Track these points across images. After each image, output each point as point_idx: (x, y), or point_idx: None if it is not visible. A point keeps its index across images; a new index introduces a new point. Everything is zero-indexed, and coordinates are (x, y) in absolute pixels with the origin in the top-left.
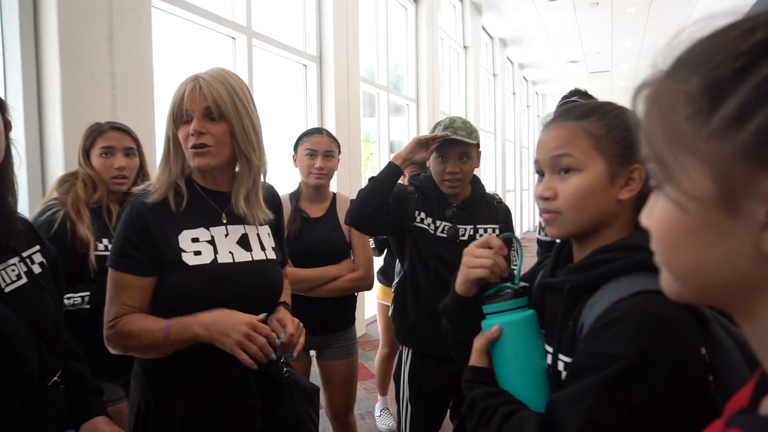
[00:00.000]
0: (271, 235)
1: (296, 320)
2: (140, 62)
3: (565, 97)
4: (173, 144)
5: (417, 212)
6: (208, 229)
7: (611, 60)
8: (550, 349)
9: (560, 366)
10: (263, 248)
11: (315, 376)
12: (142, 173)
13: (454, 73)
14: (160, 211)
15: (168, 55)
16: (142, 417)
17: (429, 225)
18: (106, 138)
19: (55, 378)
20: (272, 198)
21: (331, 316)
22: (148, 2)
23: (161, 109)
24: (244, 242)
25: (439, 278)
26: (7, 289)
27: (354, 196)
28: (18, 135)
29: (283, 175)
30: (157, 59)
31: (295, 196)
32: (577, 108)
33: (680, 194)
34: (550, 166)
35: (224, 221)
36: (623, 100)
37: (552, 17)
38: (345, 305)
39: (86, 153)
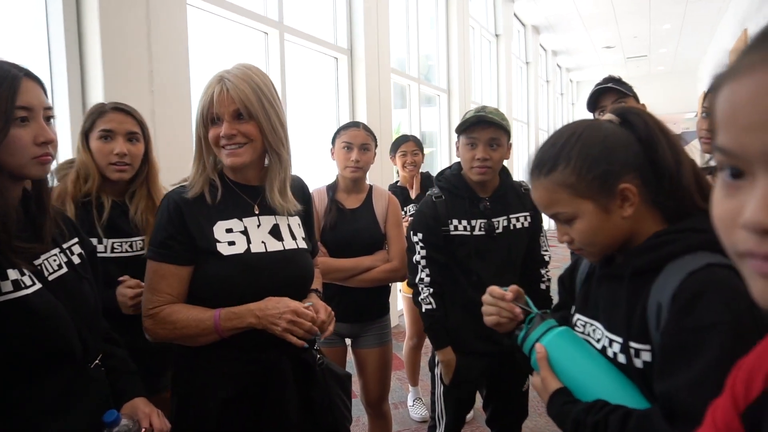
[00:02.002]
0: (301, 225)
1: (328, 307)
2: (177, 60)
3: (598, 85)
4: (204, 144)
5: (449, 221)
6: (241, 220)
7: (649, 44)
8: (617, 338)
9: (632, 353)
10: (294, 238)
11: (351, 366)
12: (148, 162)
13: (486, 62)
14: (195, 204)
15: (203, 52)
16: (184, 401)
17: (465, 228)
18: (107, 120)
19: (96, 361)
20: (301, 189)
21: (365, 305)
22: (183, 0)
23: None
24: (275, 232)
25: (479, 278)
26: (50, 278)
27: (385, 186)
28: (64, 133)
29: (316, 167)
30: (193, 56)
31: (332, 188)
32: (544, 160)
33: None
34: (552, 218)
35: (256, 212)
36: (663, 85)
37: (587, 2)
38: (379, 294)
39: (85, 136)
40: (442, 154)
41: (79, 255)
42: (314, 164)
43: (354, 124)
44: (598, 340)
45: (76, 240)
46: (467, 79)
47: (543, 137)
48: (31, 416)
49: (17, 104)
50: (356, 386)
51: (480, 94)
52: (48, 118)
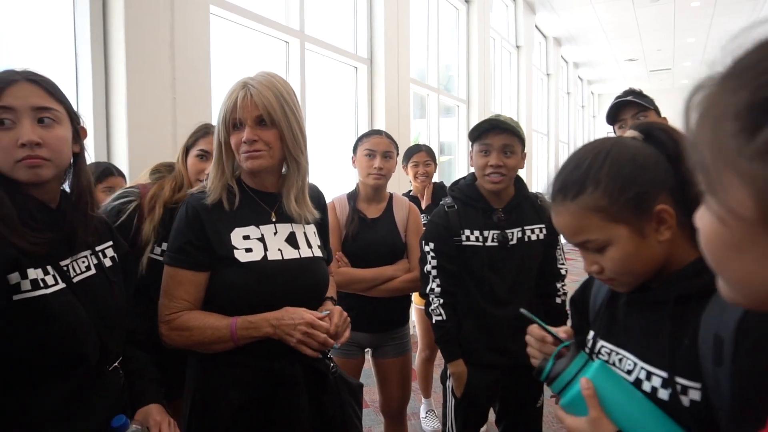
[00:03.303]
0: (316, 233)
1: (344, 313)
2: (199, 67)
3: (618, 97)
4: (225, 149)
5: (461, 231)
6: (258, 228)
7: (673, 57)
8: (657, 371)
9: (678, 389)
10: (310, 246)
11: (365, 376)
12: None
13: (506, 73)
14: (213, 210)
15: (225, 60)
16: (197, 406)
17: (477, 239)
18: (208, 141)
19: (116, 364)
20: (317, 198)
21: (385, 315)
22: (206, 9)
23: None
24: (292, 240)
25: (492, 290)
26: (75, 279)
27: (395, 193)
28: (87, 137)
29: (334, 175)
30: (215, 63)
31: (352, 197)
32: (570, 183)
33: (722, 209)
34: (579, 247)
35: (273, 219)
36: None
37: (610, 14)
38: (399, 304)
39: (186, 151)
40: (460, 164)
41: (112, 258)
42: (332, 172)
43: (376, 132)
44: (629, 372)
45: (110, 243)
46: (487, 89)
47: (563, 149)
48: (35, 421)
49: None
50: (368, 396)
51: (500, 105)
52: (42, 119)
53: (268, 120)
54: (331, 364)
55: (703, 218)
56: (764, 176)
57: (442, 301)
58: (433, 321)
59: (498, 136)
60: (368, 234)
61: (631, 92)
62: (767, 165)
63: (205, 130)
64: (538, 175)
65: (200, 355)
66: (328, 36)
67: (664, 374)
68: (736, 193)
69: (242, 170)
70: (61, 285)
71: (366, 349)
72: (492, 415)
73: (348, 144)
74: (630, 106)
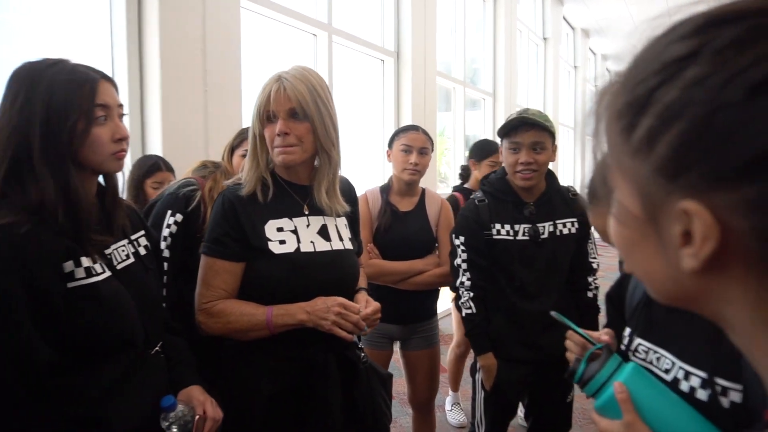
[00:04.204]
0: (347, 226)
1: (377, 303)
2: (230, 60)
3: None
4: (259, 141)
5: (491, 225)
6: (292, 220)
7: None
8: (697, 371)
9: (717, 390)
10: (341, 239)
11: (392, 368)
12: None
13: (533, 65)
14: (248, 202)
15: (254, 52)
16: (231, 394)
17: (508, 233)
18: None
19: (157, 348)
20: (348, 191)
21: (414, 308)
22: (237, 3)
23: (248, 104)
24: (323, 233)
25: (522, 284)
26: (119, 267)
27: (427, 187)
28: None
29: (362, 167)
30: (245, 56)
31: (385, 190)
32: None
33: (618, 208)
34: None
35: (306, 212)
36: None
37: (640, 4)
38: (428, 297)
39: (231, 150)
40: None
41: (145, 247)
42: (360, 165)
43: (413, 128)
44: (667, 371)
45: (142, 232)
46: (513, 82)
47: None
48: (93, 398)
49: (96, 103)
50: (406, 388)
51: (526, 98)
52: (121, 116)
53: (300, 113)
54: (362, 354)
55: (611, 217)
56: (642, 173)
57: (472, 294)
58: (463, 314)
59: (527, 132)
60: (400, 227)
61: None
62: (643, 163)
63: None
64: (565, 169)
65: (234, 344)
66: (355, 29)
67: (704, 374)
68: (625, 191)
69: (275, 163)
70: (108, 273)
71: (395, 342)
72: (521, 409)
73: (374, 137)
74: None
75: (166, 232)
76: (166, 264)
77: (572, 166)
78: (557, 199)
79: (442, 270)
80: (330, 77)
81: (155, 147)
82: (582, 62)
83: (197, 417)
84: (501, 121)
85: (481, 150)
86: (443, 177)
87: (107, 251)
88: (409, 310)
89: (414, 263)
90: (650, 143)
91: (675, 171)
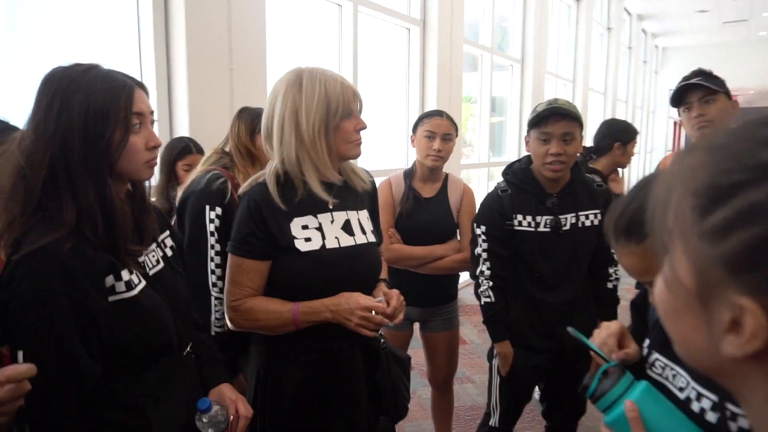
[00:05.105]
0: (369, 218)
1: (401, 297)
2: (255, 37)
3: (685, 79)
4: (325, 133)
5: (513, 215)
6: (316, 217)
7: (751, 7)
8: (709, 393)
9: (727, 414)
10: (364, 232)
11: (412, 343)
12: None
13: (564, 29)
14: (272, 200)
15: (279, 26)
16: (262, 381)
17: (529, 224)
18: None
19: (188, 349)
20: (373, 187)
21: (434, 291)
22: None
23: (273, 81)
24: (347, 228)
25: (542, 275)
26: (151, 273)
27: (454, 162)
28: (152, 103)
29: (387, 140)
30: (269, 31)
31: (408, 175)
32: (634, 225)
33: (669, 273)
34: (649, 285)
35: (330, 208)
36: (765, 53)
37: None
38: (448, 281)
39: (252, 132)
40: (511, 127)
41: (171, 248)
42: (385, 137)
43: (438, 113)
44: (681, 389)
45: (167, 233)
46: (542, 47)
47: (621, 108)
48: (136, 404)
49: (133, 111)
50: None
51: (556, 63)
52: (152, 122)
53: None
54: (382, 340)
55: (659, 276)
56: (705, 255)
57: (491, 284)
58: (482, 302)
59: (558, 123)
60: (422, 213)
61: (699, 73)
62: (710, 247)
63: None
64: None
65: (264, 335)
66: None
67: (715, 398)
68: (681, 262)
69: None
70: (144, 283)
71: (415, 323)
72: (537, 391)
73: (399, 108)
74: (696, 89)
75: (211, 227)
76: (219, 257)
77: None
78: (582, 190)
79: (462, 255)
80: (355, 48)
81: (182, 128)
82: (616, 24)
83: (231, 417)
84: (529, 88)
85: (626, 132)
86: (468, 143)
87: (140, 259)
88: (429, 294)
89: (434, 248)
90: (723, 234)
91: (741, 268)
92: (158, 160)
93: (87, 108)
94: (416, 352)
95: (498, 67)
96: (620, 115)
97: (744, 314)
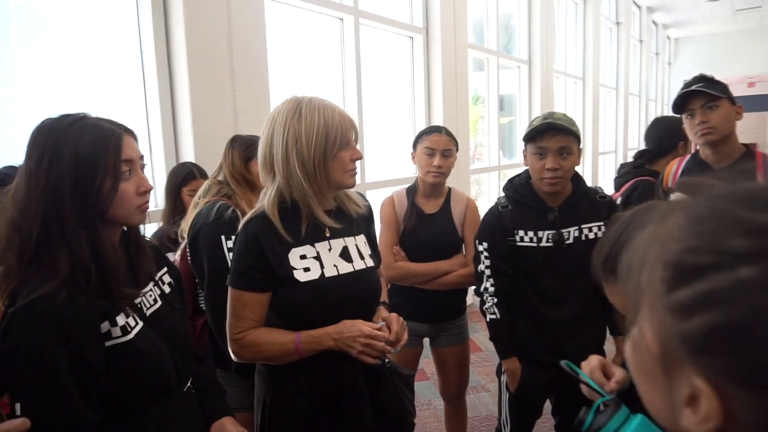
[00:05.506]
0: (366, 243)
1: (401, 319)
2: (256, 58)
3: (687, 85)
4: (321, 164)
5: (515, 231)
6: (314, 246)
7: None
8: None
9: None
10: (362, 257)
11: (422, 356)
12: None
13: (571, 26)
14: (269, 232)
15: (280, 42)
16: (268, 410)
17: (531, 240)
18: None
19: (188, 384)
20: (366, 206)
21: (443, 306)
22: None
23: (276, 100)
24: (345, 254)
25: (546, 290)
26: (148, 313)
27: (463, 168)
28: (156, 132)
29: (391, 153)
30: (270, 47)
31: (411, 192)
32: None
33: (638, 335)
34: None
35: (327, 235)
36: None
37: None
38: (456, 296)
39: (246, 160)
40: (521, 126)
41: (169, 284)
42: (389, 146)
43: (436, 129)
44: None
45: (165, 269)
46: (550, 46)
47: (633, 102)
48: None
49: (122, 159)
50: (428, 368)
51: (564, 62)
52: (143, 167)
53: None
54: (386, 359)
55: (631, 332)
56: (669, 329)
57: (496, 300)
58: (487, 319)
59: (553, 137)
60: (425, 229)
61: (701, 79)
62: (673, 322)
63: None
64: (606, 131)
65: (268, 365)
66: (381, 7)
67: None
68: (648, 328)
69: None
70: (140, 324)
71: (425, 339)
72: (548, 405)
73: (404, 117)
74: (698, 95)
75: (230, 256)
76: None
77: (614, 128)
78: (584, 203)
79: (468, 270)
80: (357, 61)
81: (188, 152)
82: (625, 17)
83: None
84: (537, 88)
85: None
86: (479, 143)
87: (137, 300)
88: (437, 309)
89: (439, 264)
90: (685, 313)
91: (699, 350)
92: (163, 187)
93: (76, 159)
94: (428, 362)
95: (505, 67)
96: (633, 109)
97: (700, 395)
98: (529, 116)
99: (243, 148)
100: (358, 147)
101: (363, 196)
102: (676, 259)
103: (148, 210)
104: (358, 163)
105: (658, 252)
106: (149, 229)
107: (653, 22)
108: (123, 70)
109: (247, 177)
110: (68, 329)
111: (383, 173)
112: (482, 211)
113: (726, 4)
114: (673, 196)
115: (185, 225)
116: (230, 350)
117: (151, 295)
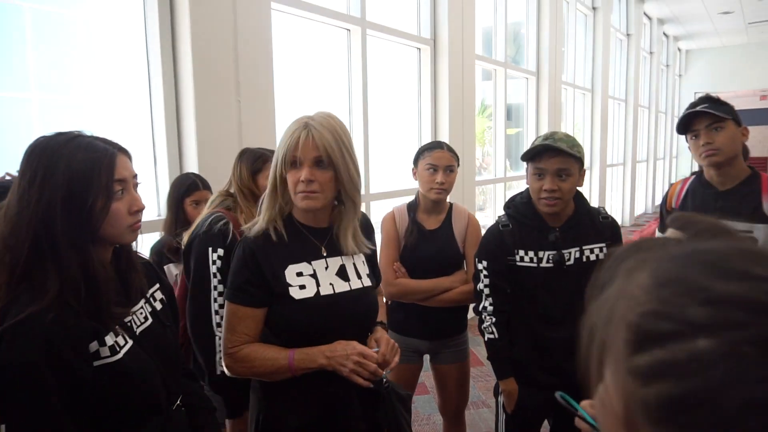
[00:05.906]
0: (365, 262)
1: (391, 341)
2: (261, 69)
3: (691, 106)
4: (280, 185)
5: (515, 251)
6: (310, 264)
7: None
8: None
9: None
10: (359, 276)
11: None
12: None
13: (581, 38)
14: (267, 248)
15: (286, 53)
16: (261, 427)
17: (531, 260)
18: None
19: (178, 402)
20: (366, 227)
21: (443, 323)
22: (268, 6)
23: (281, 113)
24: (342, 273)
25: (546, 310)
26: (138, 331)
27: (469, 179)
28: (160, 142)
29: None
30: (277, 58)
31: (412, 208)
32: None
33: (604, 391)
34: None
35: (324, 254)
36: None
37: None
38: (457, 312)
39: (253, 173)
40: (528, 136)
41: (161, 300)
42: (395, 158)
43: (438, 145)
44: None
45: (157, 286)
46: (558, 58)
47: (643, 114)
48: None
49: (115, 179)
50: (429, 382)
51: (572, 73)
52: (136, 186)
53: (326, 161)
54: (384, 379)
55: (599, 386)
56: (631, 392)
57: (494, 319)
58: (486, 339)
59: (552, 159)
60: (426, 245)
61: (706, 100)
62: (634, 387)
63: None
64: (615, 143)
65: (262, 382)
66: (389, 18)
67: None
68: (611, 387)
69: (294, 206)
70: (130, 343)
71: (425, 356)
72: (546, 424)
73: (411, 128)
74: (703, 116)
75: (213, 268)
76: (222, 297)
77: (623, 140)
78: (586, 223)
79: (469, 287)
80: (364, 72)
81: (191, 163)
82: (636, 29)
83: None
84: (545, 100)
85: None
86: (486, 153)
87: (126, 318)
88: (437, 326)
89: (440, 281)
90: (644, 379)
91: (655, 420)
92: (165, 198)
93: (69, 178)
94: (429, 375)
95: (513, 77)
96: (643, 122)
97: None
98: (537, 128)
99: (251, 161)
100: (360, 156)
101: (368, 222)
102: (638, 322)
103: (140, 228)
104: (362, 172)
105: (623, 311)
106: (151, 239)
107: (664, 33)
108: (128, 80)
109: (253, 190)
110: (56, 350)
111: (388, 184)
112: (487, 222)
113: (738, 17)
114: (668, 233)
115: (186, 236)
116: (223, 364)
117: (141, 313)
